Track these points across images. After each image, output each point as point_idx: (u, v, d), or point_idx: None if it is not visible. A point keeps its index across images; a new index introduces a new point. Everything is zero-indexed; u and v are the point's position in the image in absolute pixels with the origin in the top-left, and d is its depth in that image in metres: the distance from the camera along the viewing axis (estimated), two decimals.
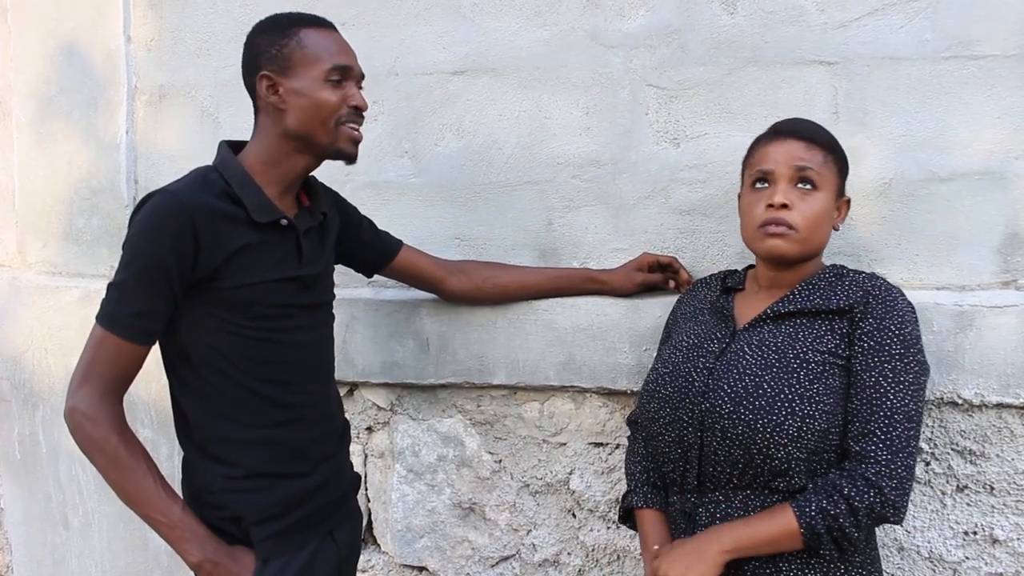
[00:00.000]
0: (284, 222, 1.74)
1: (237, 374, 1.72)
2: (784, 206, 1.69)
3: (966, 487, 2.03)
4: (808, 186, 1.70)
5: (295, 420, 1.79)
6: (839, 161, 1.76)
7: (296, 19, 1.76)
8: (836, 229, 1.79)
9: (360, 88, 1.79)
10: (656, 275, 2.17)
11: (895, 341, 1.63)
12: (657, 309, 2.11)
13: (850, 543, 1.58)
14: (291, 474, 1.78)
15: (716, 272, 2.00)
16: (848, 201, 1.81)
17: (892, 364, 1.62)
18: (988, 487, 2.02)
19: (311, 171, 1.82)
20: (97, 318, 1.67)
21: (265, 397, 1.75)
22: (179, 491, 1.77)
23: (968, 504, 2.04)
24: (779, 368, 1.65)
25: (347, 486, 1.95)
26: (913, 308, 1.69)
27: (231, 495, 1.73)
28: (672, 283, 2.18)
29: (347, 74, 1.75)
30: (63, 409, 1.67)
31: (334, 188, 2.04)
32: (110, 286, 1.67)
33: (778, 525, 1.58)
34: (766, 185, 1.73)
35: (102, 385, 1.65)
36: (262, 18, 1.80)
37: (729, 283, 1.91)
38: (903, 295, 1.70)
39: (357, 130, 1.78)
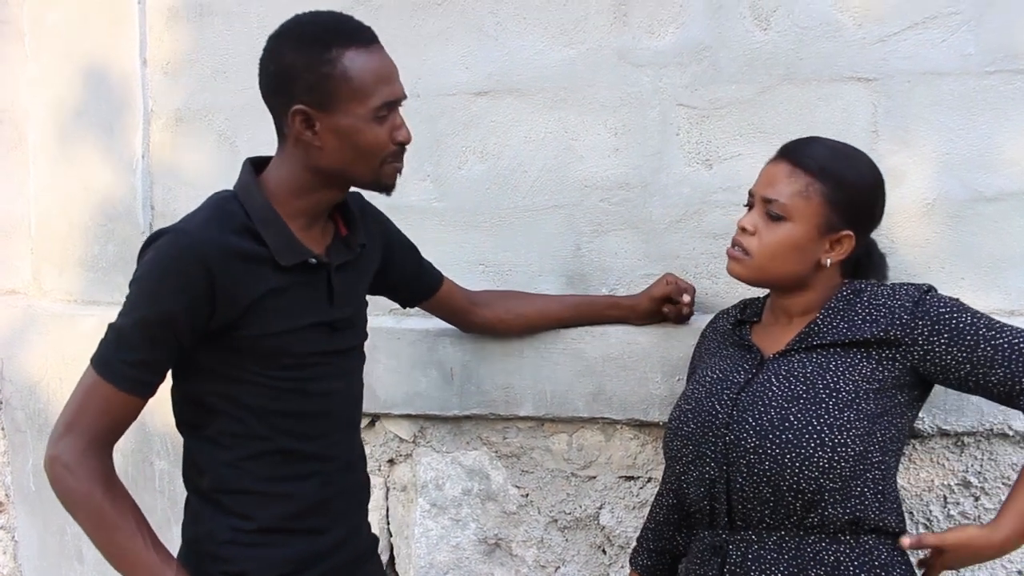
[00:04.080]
0: (313, 261, 1.58)
1: (258, 426, 1.57)
2: (745, 230, 1.67)
3: None
4: (774, 215, 1.64)
5: (318, 474, 1.64)
6: (833, 192, 1.62)
7: (337, 35, 1.53)
8: (824, 265, 1.67)
9: (401, 106, 1.60)
10: (672, 306, 2.08)
11: (962, 317, 1.59)
12: (690, 338, 2.04)
13: None
14: (307, 530, 1.63)
15: (737, 302, 1.92)
16: (850, 237, 1.65)
17: (977, 328, 1.58)
18: None
19: (338, 201, 1.65)
20: (92, 361, 1.52)
21: (286, 451, 1.60)
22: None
23: None
24: (807, 399, 1.58)
25: (365, 547, 1.80)
26: (954, 298, 1.65)
27: (239, 548, 1.58)
28: (686, 309, 2.07)
29: (395, 105, 1.56)
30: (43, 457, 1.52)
31: None
32: (110, 327, 1.53)
33: None
34: (751, 206, 1.70)
35: (89, 435, 1.50)
36: (290, 21, 1.57)
37: (745, 315, 1.84)
38: (933, 291, 1.65)
39: (400, 163, 1.61)
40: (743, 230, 1.68)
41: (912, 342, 1.60)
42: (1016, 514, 1.53)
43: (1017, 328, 1.59)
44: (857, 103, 2.04)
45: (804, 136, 1.73)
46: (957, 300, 1.64)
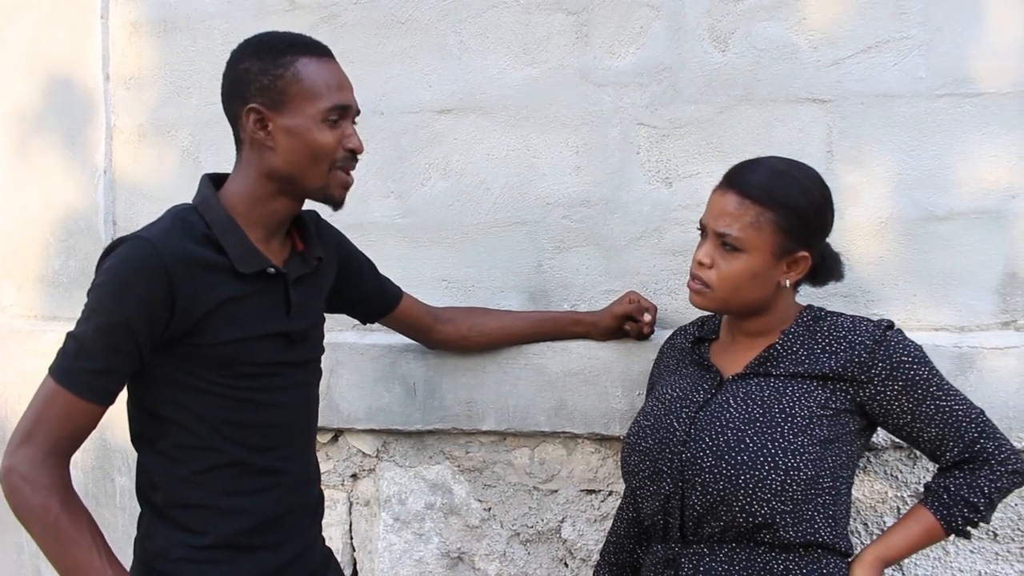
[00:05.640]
0: (271, 271, 1.59)
1: (211, 437, 1.56)
2: (703, 264, 1.68)
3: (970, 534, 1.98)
4: (729, 248, 1.65)
5: (272, 488, 1.64)
6: (784, 217, 1.63)
7: (292, 44, 1.59)
8: (783, 286, 1.70)
9: (355, 124, 1.64)
10: (633, 324, 2.10)
11: (919, 371, 1.65)
12: (650, 353, 2.06)
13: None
14: (261, 546, 1.62)
15: (695, 319, 1.94)
16: (806, 257, 1.68)
17: (929, 384, 1.65)
18: (992, 534, 1.99)
19: (295, 213, 1.67)
20: (50, 370, 1.51)
21: (241, 463, 1.60)
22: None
23: (972, 551, 2.00)
24: (763, 423, 1.62)
25: (318, 562, 1.78)
26: (917, 345, 1.69)
27: (190, 565, 1.57)
28: (646, 328, 2.11)
29: (345, 113, 1.60)
30: None
31: None
32: (69, 336, 1.52)
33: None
34: (704, 236, 1.71)
35: (47, 445, 1.48)
36: (250, 37, 1.64)
37: (703, 332, 1.86)
38: (893, 330, 1.70)
39: (349, 175, 1.63)
40: (700, 264, 1.68)
41: (867, 380, 1.65)
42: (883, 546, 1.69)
43: (960, 395, 1.68)
44: (813, 124, 2.09)
45: (747, 160, 1.73)
46: (919, 349, 1.68)
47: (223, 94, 1.63)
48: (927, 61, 2.03)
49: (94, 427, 1.54)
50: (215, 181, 1.65)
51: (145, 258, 1.49)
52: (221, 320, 1.54)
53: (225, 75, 1.63)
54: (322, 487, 1.84)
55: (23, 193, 2.82)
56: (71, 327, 1.54)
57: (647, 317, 2.08)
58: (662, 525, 1.69)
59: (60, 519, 1.47)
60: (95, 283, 1.52)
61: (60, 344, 1.54)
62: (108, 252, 1.55)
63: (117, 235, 2.59)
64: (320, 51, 1.62)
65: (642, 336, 2.12)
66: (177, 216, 1.58)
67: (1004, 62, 2.01)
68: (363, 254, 1.96)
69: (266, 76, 1.56)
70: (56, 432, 1.49)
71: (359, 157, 1.65)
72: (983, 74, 2.01)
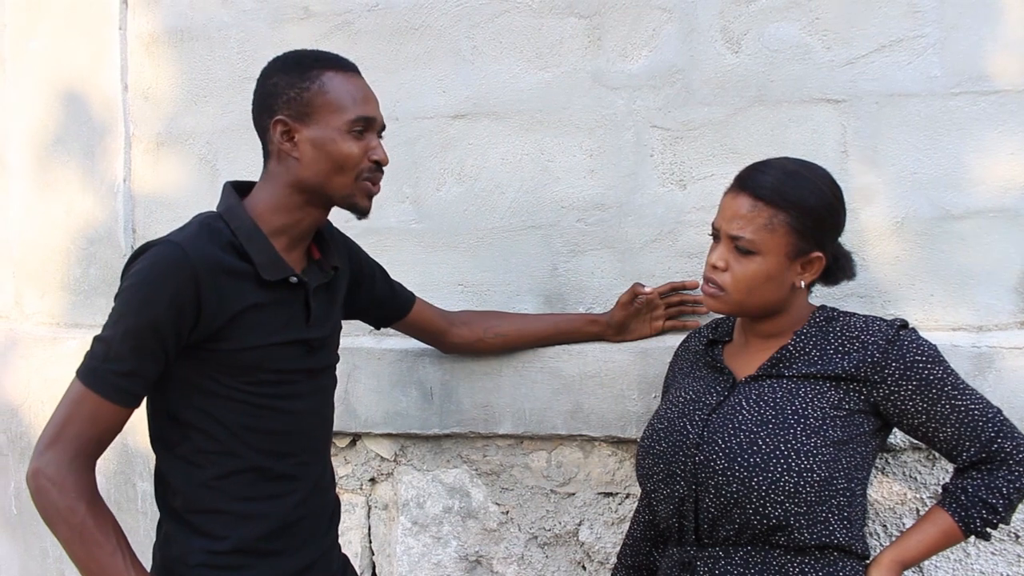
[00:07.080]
0: (294, 280, 1.62)
1: (231, 442, 1.59)
2: (716, 267, 1.68)
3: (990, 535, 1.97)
4: (743, 251, 1.65)
5: (289, 493, 1.66)
6: (796, 219, 1.63)
7: (318, 60, 1.64)
8: (798, 287, 1.70)
9: (381, 139, 1.68)
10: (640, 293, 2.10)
11: (934, 370, 1.64)
12: (666, 355, 2.06)
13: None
14: (278, 552, 1.64)
15: (709, 322, 1.94)
16: (820, 258, 1.68)
17: (944, 384, 1.64)
18: (1013, 536, 1.97)
19: (320, 224, 1.71)
20: (77, 373, 1.53)
21: (259, 468, 1.62)
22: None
23: (993, 553, 1.98)
24: (775, 424, 1.61)
25: (335, 569, 1.80)
26: (931, 344, 1.68)
27: (210, 571, 1.59)
28: (660, 319, 2.12)
29: (370, 125, 1.63)
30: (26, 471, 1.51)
31: None
32: (96, 340, 1.54)
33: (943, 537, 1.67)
34: (716, 239, 1.71)
35: (74, 448, 1.50)
36: (279, 54, 1.68)
37: (716, 335, 1.85)
38: (906, 329, 1.68)
39: (375, 184, 1.66)
40: (714, 267, 1.68)
41: (880, 380, 1.64)
42: (901, 548, 1.67)
43: (976, 394, 1.66)
44: (827, 124, 2.08)
45: (758, 162, 1.72)
46: (933, 348, 1.67)
47: (253, 108, 1.67)
48: (941, 59, 2.02)
49: (120, 430, 1.56)
50: (238, 189, 1.68)
51: (175, 261, 1.51)
52: (244, 326, 1.57)
53: (255, 90, 1.67)
54: (338, 493, 1.85)
55: (45, 202, 2.85)
56: (92, 334, 1.57)
57: (647, 289, 2.07)
58: (677, 528, 1.69)
59: (87, 522, 1.49)
60: (124, 287, 1.55)
61: (82, 351, 1.56)
62: (136, 256, 1.57)
63: (137, 243, 2.64)
64: (347, 66, 1.66)
65: (650, 308, 2.12)
66: (204, 223, 1.61)
67: (1019, 59, 1.99)
68: (373, 260, 1.99)
69: (293, 89, 1.60)
70: (84, 434, 1.51)
71: (384, 169, 1.68)
72: (998, 71, 2.00)
